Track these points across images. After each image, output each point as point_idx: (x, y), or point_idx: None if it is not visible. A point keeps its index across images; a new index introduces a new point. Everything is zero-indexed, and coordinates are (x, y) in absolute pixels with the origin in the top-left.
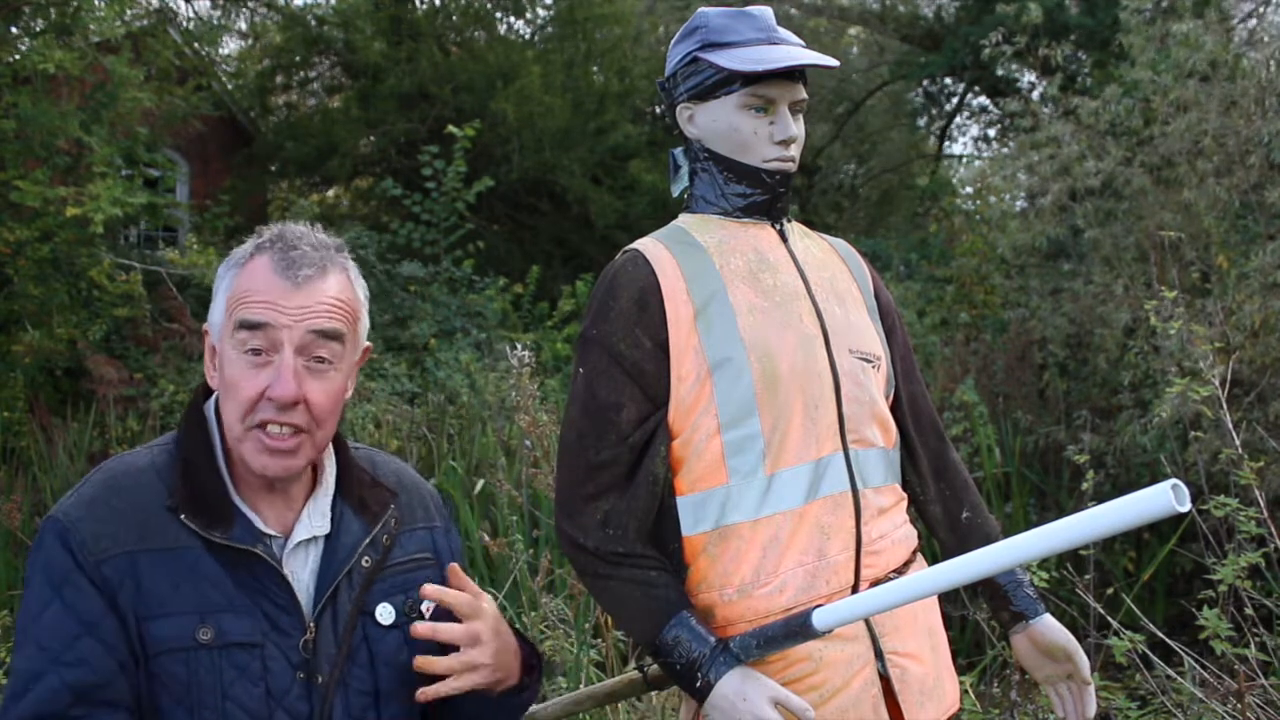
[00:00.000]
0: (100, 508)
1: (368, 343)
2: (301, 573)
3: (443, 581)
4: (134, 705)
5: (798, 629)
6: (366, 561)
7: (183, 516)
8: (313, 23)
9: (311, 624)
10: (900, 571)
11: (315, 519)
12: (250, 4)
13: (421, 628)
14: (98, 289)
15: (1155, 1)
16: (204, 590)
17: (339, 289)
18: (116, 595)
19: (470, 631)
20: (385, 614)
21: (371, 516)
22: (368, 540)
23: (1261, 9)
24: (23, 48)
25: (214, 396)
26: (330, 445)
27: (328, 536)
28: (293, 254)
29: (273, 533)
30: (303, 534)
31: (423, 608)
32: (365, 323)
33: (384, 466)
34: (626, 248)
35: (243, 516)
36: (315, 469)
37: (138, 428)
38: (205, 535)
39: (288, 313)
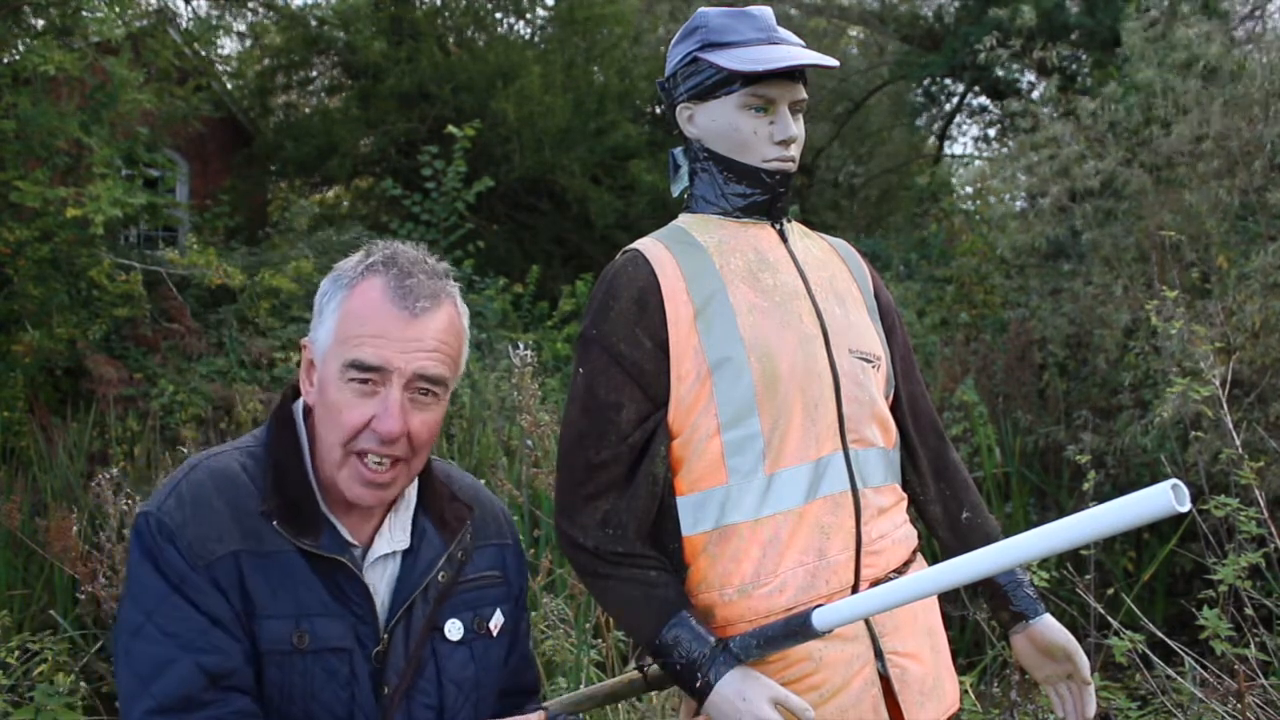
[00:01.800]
0: (203, 509)
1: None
2: (379, 585)
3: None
4: (258, 694)
5: (798, 629)
6: (443, 577)
7: (275, 524)
8: (313, 23)
9: (385, 636)
10: (900, 571)
11: (396, 533)
12: (250, 4)
13: None
14: (98, 289)
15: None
16: (299, 594)
17: (449, 324)
18: (228, 595)
19: None
20: (454, 630)
21: (450, 533)
22: (445, 556)
23: (1260, 10)
24: (22, 48)
25: (301, 400)
26: None
27: (406, 551)
28: (409, 282)
29: (355, 543)
30: (383, 548)
31: (490, 624)
32: (466, 352)
33: (459, 481)
34: (626, 248)
35: (330, 526)
36: None
37: (138, 428)
38: (295, 543)
39: (400, 351)
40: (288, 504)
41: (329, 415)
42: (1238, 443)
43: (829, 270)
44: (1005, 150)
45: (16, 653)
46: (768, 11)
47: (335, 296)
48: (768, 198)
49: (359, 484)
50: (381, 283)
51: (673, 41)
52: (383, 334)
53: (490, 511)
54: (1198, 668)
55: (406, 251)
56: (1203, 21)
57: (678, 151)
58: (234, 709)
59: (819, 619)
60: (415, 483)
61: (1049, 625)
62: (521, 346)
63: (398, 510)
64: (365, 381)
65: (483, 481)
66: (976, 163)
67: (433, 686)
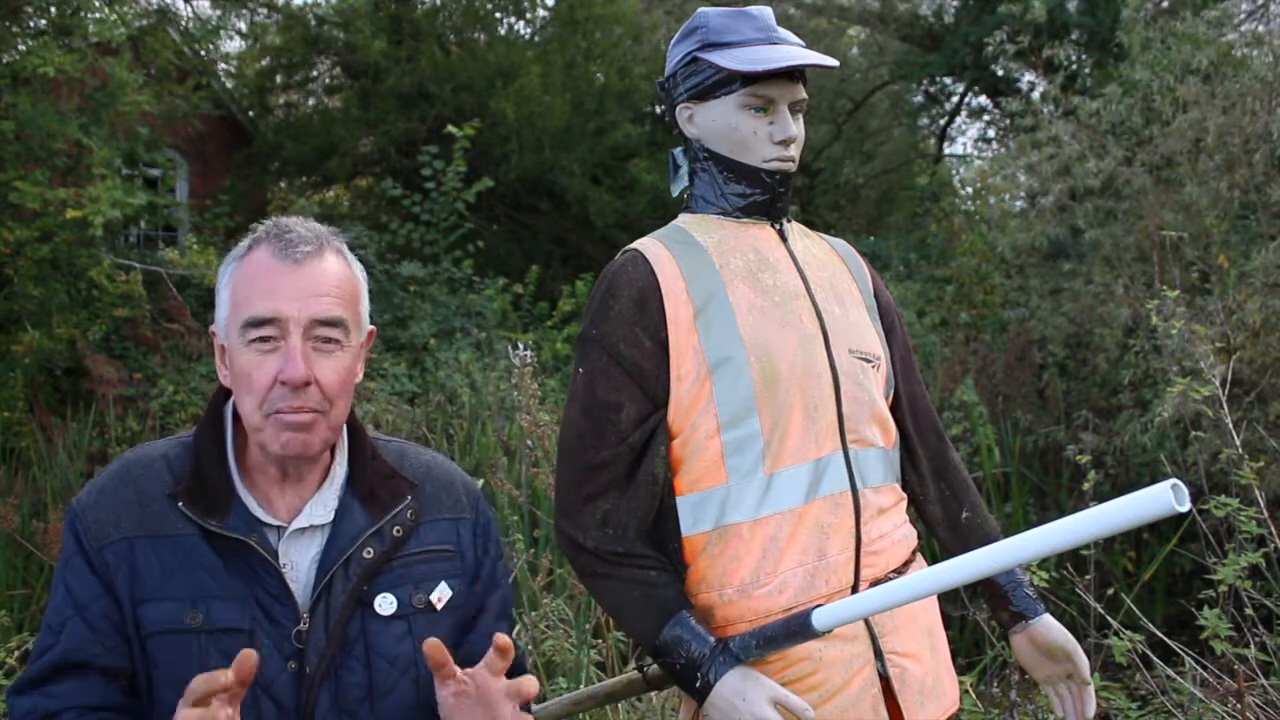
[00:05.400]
0: (108, 495)
1: (371, 326)
2: (301, 562)
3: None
4: (116, 672)
5: (797, 629)
6: (368, 553)
7: (180, 505)
8: (313, 23)
9: (305, 615)
10: (900, 571)
11: (317, 509)
12: (250, 4)
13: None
14: (98, 289)
15: (1155, 1)
16: (198, 576)
17: (338, 270)
18: (114, 579)
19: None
20: (385, 604)
21: (379, 507)
22: (371, 531)
23: (1264, 9)
24: (22, 48)
25: (233, 399)
26: (345, 436)
27: (331, 527)
28: (288, 236)
29: (275, 521)
30: (301, 523)
31: (432, 598)
32: (366, 305)
33: (414, 458)
34: (626, 248)
35: (241, 505)
36: (331, 459)
37: (137, 428)
38: (201, 523)
39: (291, 299)
40: (198, 484)
41: (241, 384)
42: (1238, 442)
43: (829, 270)
44: (1005, 150)
45: (16, 653)
46: (767, 11)
47: (226, 274)
48: (767, 198)
49: (283, 432)
50: (264, 248)
51: (672, 41)
52: (271, 287)
53: (447, 487)
54: (1198, 668)
55: (286, 219)
56: (1199, 24)
57: (678, 151)
58: (74, 699)
59: (819, 619)
60: (345, 459)
61: (1049, 625)
62: (521, 346)
63: (324, 487)
64: (265, 340)
65: (481, 481)
66: (976, 162)
67: (360, 665)
